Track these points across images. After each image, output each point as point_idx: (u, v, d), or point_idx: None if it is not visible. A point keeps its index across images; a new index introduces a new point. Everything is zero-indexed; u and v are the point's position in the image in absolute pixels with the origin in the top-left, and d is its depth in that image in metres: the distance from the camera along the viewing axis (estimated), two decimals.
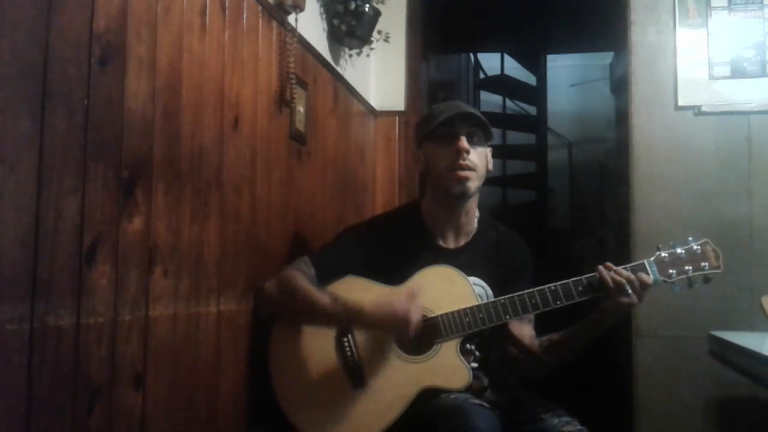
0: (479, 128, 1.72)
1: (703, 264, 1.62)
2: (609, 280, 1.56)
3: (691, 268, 1.62)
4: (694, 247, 1.63)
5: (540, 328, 1.77)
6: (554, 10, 4.16)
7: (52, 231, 1.04)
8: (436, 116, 1.73)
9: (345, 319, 1.61)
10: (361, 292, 1.69)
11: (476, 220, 1.81)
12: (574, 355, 1.69)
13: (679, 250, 1.63)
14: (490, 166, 1.77)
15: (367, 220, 1.92)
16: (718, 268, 1.63)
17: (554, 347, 1.69)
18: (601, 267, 1.59)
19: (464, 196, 1.71)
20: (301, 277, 1.67)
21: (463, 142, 1.68)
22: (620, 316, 1.61)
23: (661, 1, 2.68)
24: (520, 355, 1.74)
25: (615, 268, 1.58)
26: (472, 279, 1.70)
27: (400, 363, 1.63)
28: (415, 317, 1.53)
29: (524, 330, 1.75)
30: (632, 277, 1.56)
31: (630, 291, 1.55)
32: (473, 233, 1.80)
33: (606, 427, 1.96)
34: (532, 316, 1.71)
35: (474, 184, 1.70)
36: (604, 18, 3.09)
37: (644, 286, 1.57)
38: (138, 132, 1.26)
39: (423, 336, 1.64)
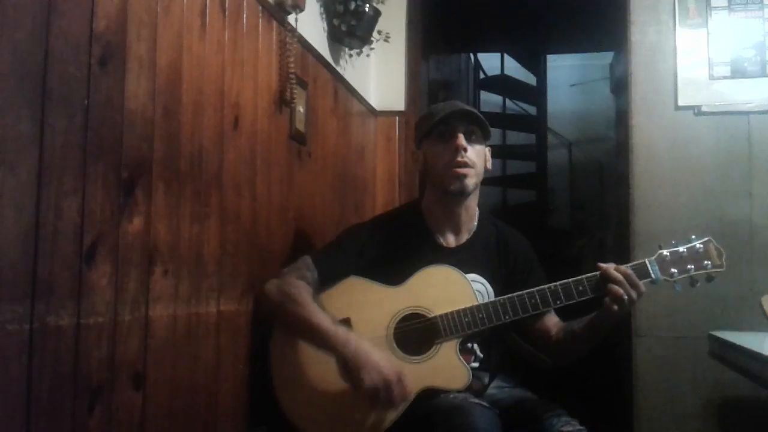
0: (477, 126, 1.72)
1: (705, 262, 1.61)
2: (613, 275, 1.56)
3: (693, 266, 1.61)
4: (697, 246, 1.62)
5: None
6: (554, 10, 4.16)
7: (52, 231, 1.04)
8: (434, 115, 1.73)
9: (340, 351, 1.55)
10: (361, 292, 1.69)
11: (476, 218, 1.81)
12: (584, 351, 1.69)
13: (681, 249, 1.62)
14: (489, 165, 1.77)
15: (368, 221, 1.92)
16: (721, 266, 1.61)
17: (570, 339, 1.69)
18: (601, 264, 1.59)
19: (462, 193, 1.71)
20: (305, 289, 1.63)
21: (461, 139, 1.68)
22: (622, 316, 1.60)
23: (661, 1, 2.68)
24: (550, 345, 1.73)
25: (615, 266, 1.58)
26: (472, 276, 1.70)
27: (399, 363, 1.62)
28: (398, 404, 1.52)
29: (547, 321, 1.74)
30: (629, 271, 1.57)
31: (629, 287, 1.55)
32: (473, 231, 1.80)
33: (606, 427, 1.96)
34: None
35: (472, 181, 1.70)
36: (604, 18, 3.10)
37: (640, 277, 1.57)
38: (138, 132, 1.26)
39: (423, 336, 1.64)
